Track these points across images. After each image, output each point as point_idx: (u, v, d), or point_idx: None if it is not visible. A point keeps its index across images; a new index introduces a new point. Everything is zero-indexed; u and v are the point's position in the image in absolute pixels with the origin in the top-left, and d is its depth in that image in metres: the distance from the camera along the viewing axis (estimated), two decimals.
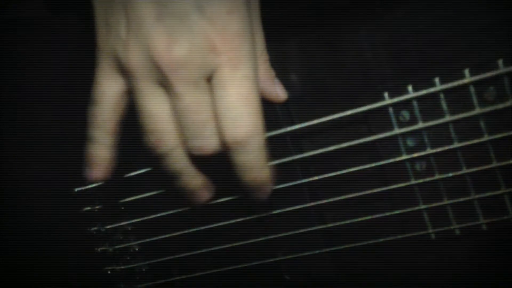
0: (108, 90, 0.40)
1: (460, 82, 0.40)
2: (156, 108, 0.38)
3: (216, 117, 0.37)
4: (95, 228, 0.56)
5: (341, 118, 0.43)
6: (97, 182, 0.44)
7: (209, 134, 0.37)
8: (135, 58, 0.36)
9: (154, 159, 0.40)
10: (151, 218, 0.53)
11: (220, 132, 0.37)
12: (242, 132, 0.36)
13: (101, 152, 0.42)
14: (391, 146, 0.43)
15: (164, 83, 0.36)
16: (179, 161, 0.40)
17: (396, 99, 0.42)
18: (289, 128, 0.45)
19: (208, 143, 0.38)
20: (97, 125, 0.41)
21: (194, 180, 0.42)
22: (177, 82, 0.35)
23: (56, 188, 0.56)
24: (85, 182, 0.55)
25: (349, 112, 0.43)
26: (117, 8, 0.36)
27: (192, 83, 0.36)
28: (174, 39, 0.34)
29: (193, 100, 0.36)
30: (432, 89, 0.41)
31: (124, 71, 0.38)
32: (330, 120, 0.44)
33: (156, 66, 0.35)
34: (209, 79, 0.36)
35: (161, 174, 0.42)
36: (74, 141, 0.53)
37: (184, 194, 0.43)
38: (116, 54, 0.37)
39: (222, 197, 0.49)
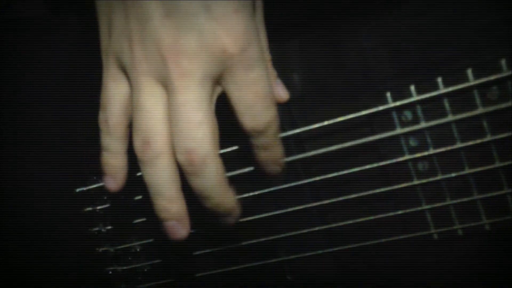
0: (116, 93, 0.39)
1: (464, 85, 0.40)
2: (152, 106, 0.37)
3: (234, 114, 0.37)
4: (96, 228, 0.56)
5: (343, 119, 0.44)
6: (115, 191, 0.43)
7: (201, 136, 0.36)
8: (139, 53, 0.35)
9: (140, 165, 0.38)
10: (153, 218, 0.53)
11: (241, 124, 0.37)
12: (263, 123, 0.37)
13: (117, 161, 0.42)
14: (394, 146, 0.43)
15: (166, 79, 0.35)
16: (160, 173, 0.38)
17: (399, 102, 0.42)
18: (291, 132, 0.46)
19: (199, 146, 0.36)
20: (108, 131, 0.41)
21: (170, 206, 0.39)
22: (179, 76, 0.35)
23: (57, 188, 0.56)
24: (86, 182, 0.55)
25: (352, 116, 0.43)
26: (122, 8, 0.36)
27: (198, 80, 0.35)
28: (183, 34, 0.34)
29: (194, 97, 0.35)
30: (435, 93, 0.41)
31: (127, 67, 0.37)
32: (332, 123, 0.44)
33: (161, 57, 0.34)
34: (217, 80, 0.36)
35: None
36: (75, 141, 0.53)
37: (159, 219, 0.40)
38: (120, 53, 0.37)
39: None
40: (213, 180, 0.37)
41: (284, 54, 0.46)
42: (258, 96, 0.36)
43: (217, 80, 0.36)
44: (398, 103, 0.42)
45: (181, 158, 0.36)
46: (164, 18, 0.34)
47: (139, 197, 0.53)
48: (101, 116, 0.40)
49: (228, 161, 0.46)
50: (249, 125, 0.37)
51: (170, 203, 0.39)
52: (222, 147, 0.47)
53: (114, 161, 0.42)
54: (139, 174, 0.51)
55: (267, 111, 0.37)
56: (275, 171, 0.42)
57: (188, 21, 0.34)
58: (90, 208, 0.56)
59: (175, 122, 0.36)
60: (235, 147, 0.48)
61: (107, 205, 0.55)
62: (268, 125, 0.38)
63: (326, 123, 0.44)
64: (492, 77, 0.39)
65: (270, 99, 0.37)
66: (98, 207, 0.56)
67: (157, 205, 0.39)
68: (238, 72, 0.35)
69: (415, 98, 0.41)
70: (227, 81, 0.36)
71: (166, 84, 0.36)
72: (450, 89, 0.40)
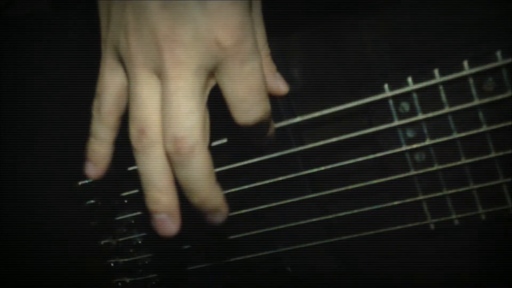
0: (111, 82, 0.40)
1: (459, 74, 0.40)
2: (147, 96, 0.37)
3: (228, 107, 0.37)
4: (99, 221, 0.57)
5: (341, 110, 0.44)
6: (94, 179, 0.43)
7: (191, 125, 0.35)
8: (134, 44, 0.36)
9: (134, 155, 0.38)
10: None
11: (233, 118, 0.38)
12: (255, 118, 0.38)
13: (102, 148, 0.42)
14: (391, 137, 0.44)
15: (160, 69, 0.36)
16: (153, 163, 0.37)
17: (396, 91, 0.42)
18: (290, 121, 0.46)
19: (188, 135, 0.35)
20: (99, 119, 0.41)
21: (161, 196, 0.38)
22: (173, 65, 0.35)
23: (60, 181, 0.57)
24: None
25: (349, 105, 0.44)
26: (120, 0, 0.37)
27: (191, 70, 0.35)
28: (179, 24, 0.34)
29: (186, 86, 0.35)
30: (431, 82, 0.41)
31: (123, 58, 0.38)
32: (330, 112, 0.44)
33: (156, 47, 0.35)
34: (211, 73, 0.37)
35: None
36: (78, 135, 0.53)
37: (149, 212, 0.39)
38: (118, 44, 0.37)
39: (225, 190, 0.50)
40: (200, 172, 0.36)
41: (284, 48, 0.46)
42: (251, 90, 0.37)
43: (211, 72, 0.36)
44: (396, 92, 0.42)
45: (169, 146, 0.36)
46: (161, 10, 0.34)
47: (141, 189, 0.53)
48: (95, 103, 0.41)
49: (227, 154, 0.47)
50: (241, 119, 0.38)
51: (161, 194, 0.38)
52: (222, 141, 0.48)
53: (99, 148, 0.42)
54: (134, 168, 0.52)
55: (259, 105, 0.38)
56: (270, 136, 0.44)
57: (184, 13, 0.34)
58: (92, 201, 0.56)
59: (166, 110, 0.36)
60: (235, 139, 0.48)
61: (109, 198, 0.56)
62: (260, 121, 0.38)
63: (324, 112, 0.44)
64: (487, 66, 0.39)
65: (263, 93, 0.38)
66: (100, 200, 0.56)
67: (148, 196, 0.38)
68: (232, 65, 0.36)
69: (412, 87, 0.42)
70: (221, 74, 0.36)
71: (160, 74, 0.36)
72: (446, 78, 0.41)
